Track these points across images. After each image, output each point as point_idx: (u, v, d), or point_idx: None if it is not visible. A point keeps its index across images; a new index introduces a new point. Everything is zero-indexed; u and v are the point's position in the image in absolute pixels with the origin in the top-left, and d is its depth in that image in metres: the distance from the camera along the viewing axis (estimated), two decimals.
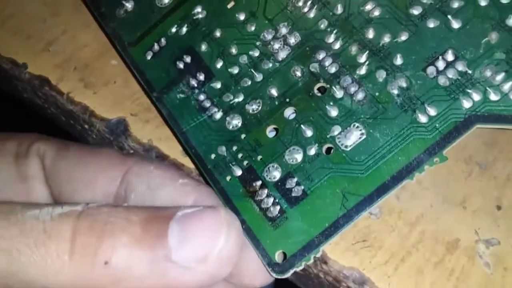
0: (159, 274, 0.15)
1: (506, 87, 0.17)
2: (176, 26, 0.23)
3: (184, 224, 0.16)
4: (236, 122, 0.20)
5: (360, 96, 0.19)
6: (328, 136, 0.19)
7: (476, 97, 0.17)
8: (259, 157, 0.19)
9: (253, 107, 0.20)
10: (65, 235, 0.15)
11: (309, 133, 0.19)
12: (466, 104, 0.17)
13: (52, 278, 0.15)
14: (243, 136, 0.20)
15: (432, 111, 0.17)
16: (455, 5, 0.18)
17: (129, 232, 0.15)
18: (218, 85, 0.21)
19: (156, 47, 0.23)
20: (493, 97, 0.17)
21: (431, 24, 0.18)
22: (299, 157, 0.19)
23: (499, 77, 0.17)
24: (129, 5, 0.25)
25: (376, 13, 0.19)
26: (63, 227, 0.15)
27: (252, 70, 0.21)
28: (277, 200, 0.18)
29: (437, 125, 0.17)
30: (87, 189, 0.20)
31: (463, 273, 0.20)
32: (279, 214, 0.18)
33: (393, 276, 0.20)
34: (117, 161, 0.21)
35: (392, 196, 0.22)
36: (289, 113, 0.20)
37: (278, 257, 0.18)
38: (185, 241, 0.16)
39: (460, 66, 0.18)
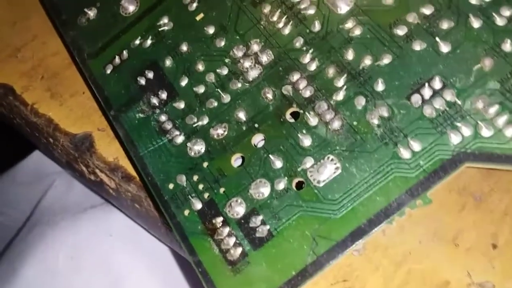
0: None
1: (500, 121, 0.15)
2: (140, 37, 0.21)
3: None
4: (198, 148, 0.18)
5: (336, 124, 0.17)
6: (299, 169, 0.16)
7: (466, 132, 0.15)
8: (221, 190, 0.17)
9: (218, 132, 0.18)
10: None
11: (278, 164, 0.17)
12: (455, 139, 0.15)
13: None
14: (205, 164, 0.18)
15: (416, 146, 0.15)
16: (445, 26, 0.16)
17: None
18: (181, 105, 0.19)
19: (117, 60, 0.21)
20: (485, 132, 0.15)
21: (417, 46, 0.16)
22: (266, 191, 0.17)
23: (493, 109, 0.15)
24: (91, 13, 0.23)
25: (357, 32, 0.17)
26: None
27: (219, 90, 0.19)
28: (239, 241, 0.16)
29: (421, 162, 0.15)
30: None
31: None
32: (240, 258, 0.16)
33: None
34: None
35: (378, 229, 0.20)
36: (257, 140, 0.18)
37: None
38: None
39: (449, 96, 0.16)
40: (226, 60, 0.19)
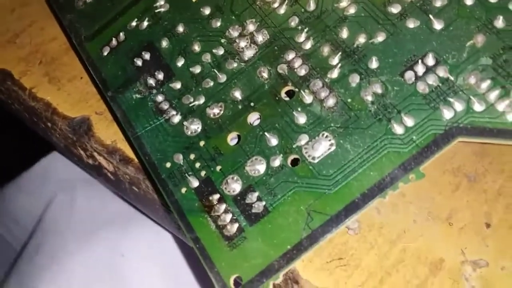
0: None
1: (492, 96, 0.15)
2: (136, 19, 0.21)
3: None
4: (195, 127, 0.18)
5: (330, 102, 0.17)
6: (294, 146, 0.17)
7: (459, 106, 0.15)
8: (218, 167, 0.17)
9: (214, 111, 0.18)
10: None
11: (273, 141, 0.17)
12: (447, 114, 0.15)
13: None
14: (202, 143, 0.18)
15: (409, 122, 0.16)
16: (438, 3, 0.16)
17: None
18: (177, 85, 0.19)
19: (114, 42, 0.21)
20: (478, 107, 0.15)
21: (411, 24, 0.17)
22: (261, 168, 0.17)
23: (485, 84, 0.15)
24: None
25: (352, 10, 0.18)
26: None
27: (215, 70, 0.19)
28: (235, 217, 0.16)
29: (414, 137, 0.15)
30: None
31: None
32: (237, 233, 0.16)
33: None
34: None
35: (373, 209, 0.20)
36: (253, 118, 0.18)
37: (233, 282, 0.16)
38: None
39: (442, 72, 0.16)
40: (222, 40, 0.19)
